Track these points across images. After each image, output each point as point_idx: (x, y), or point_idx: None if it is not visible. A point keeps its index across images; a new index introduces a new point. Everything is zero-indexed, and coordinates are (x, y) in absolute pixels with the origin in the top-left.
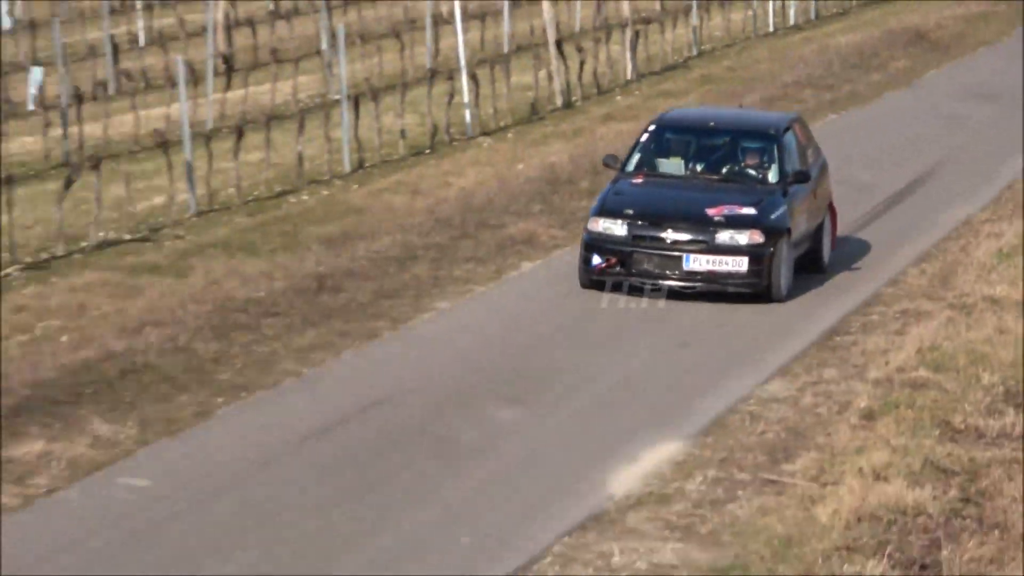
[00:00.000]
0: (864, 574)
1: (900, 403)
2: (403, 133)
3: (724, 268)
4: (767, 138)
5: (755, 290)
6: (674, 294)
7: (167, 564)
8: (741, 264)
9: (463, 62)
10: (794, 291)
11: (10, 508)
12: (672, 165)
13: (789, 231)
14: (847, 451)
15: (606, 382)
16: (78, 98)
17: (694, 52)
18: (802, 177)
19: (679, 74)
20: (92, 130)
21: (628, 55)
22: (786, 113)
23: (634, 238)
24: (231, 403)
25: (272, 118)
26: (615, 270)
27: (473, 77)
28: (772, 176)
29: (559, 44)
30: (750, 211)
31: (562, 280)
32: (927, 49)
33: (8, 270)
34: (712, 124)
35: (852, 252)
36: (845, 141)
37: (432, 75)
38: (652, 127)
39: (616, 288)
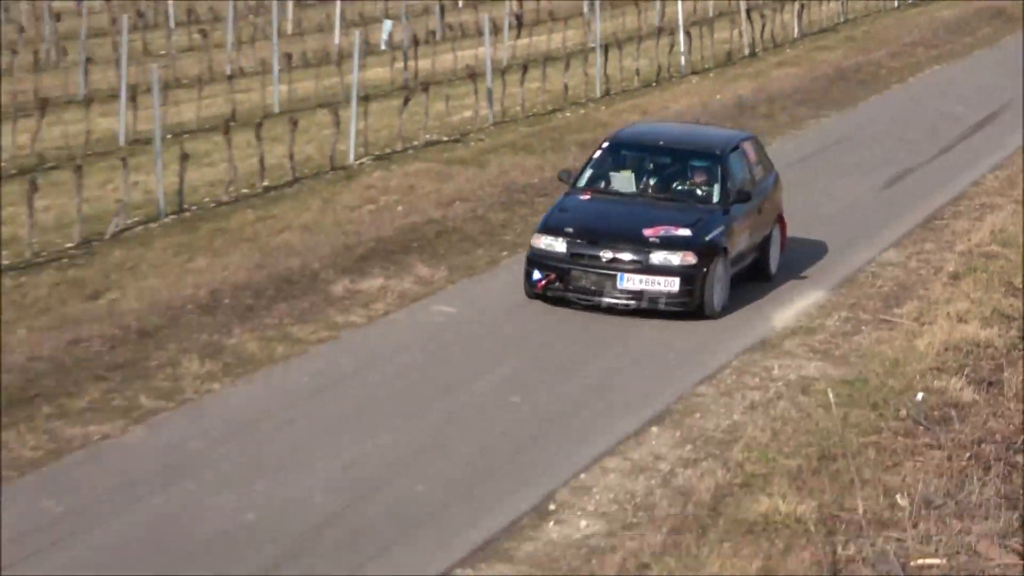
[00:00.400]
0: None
1: (977, 268)
2: (637, 71)
3: (656, 287)
4: (712, 158)
5: (687, 308)
6: None
7: (470, 363)
8: (673, 284)
9: (681, 22)
10: (902, 189)
11: (358, 324)
12: (621, 182)
13: (726, 250)
14: (939, 301)
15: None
16: (415, 42)
17: (841, 19)
18: (743, 197)
19: (830, 35)
20: (424, 65)
21: (796, 20)
22: (738, 132)
23: (572, 255)
24: (512, 255)
25: (547, 59)
26: (555, 285)
27: (687, 33)
28: (715, 196)
29: (748, 11)
30: (685, 232)
31: None
32: (1005, 21)
33: (362, 160)
34: (661, 143)
35: (948, 163)
36: (946, 85)
37: (659, 31)
38: (606, 144)
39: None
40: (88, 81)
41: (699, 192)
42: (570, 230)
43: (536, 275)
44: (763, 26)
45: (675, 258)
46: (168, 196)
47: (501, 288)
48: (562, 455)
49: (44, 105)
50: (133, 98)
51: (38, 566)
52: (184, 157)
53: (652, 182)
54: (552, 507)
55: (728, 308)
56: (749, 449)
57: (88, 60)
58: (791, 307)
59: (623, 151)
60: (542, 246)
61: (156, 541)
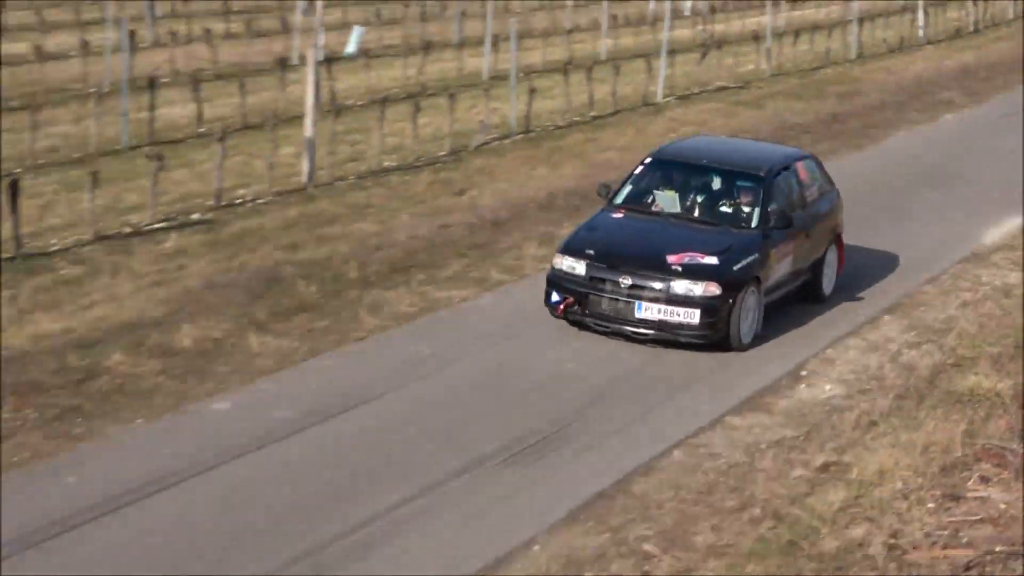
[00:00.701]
0: None
1: None
2: (884, 40)
3: (676, 319)
4: (754, 180)
5: (709, 341)
6: None
7: None
8: (693, 316)
9: (921, 3)
10: None
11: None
12: (660, 201)
13: (758, 279)
14: None
15: (989, 180)
16: (712, 10)
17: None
18: (785, 222)
19: None
20: (718, 28)
21: (1012, 4)
22: (794, 151)
23: (591, 279)
24: None
25: (814, 27)
26: (573, 309)
27: (925, 12)
28: (754, 220)
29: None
30: (712, 261)
31: (968, 125)
32: None
33: (668, 98)
34: (704, 162)
35: None
36: None
37: (903, 9)
38: (647, 160)
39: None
40: (461, 30)
41: (738, 215)
42: (591, 252)
43: (555, 297)
44: (985, 8)
45: (698, 288)
46: (518, 120)
47: None
48: (814, 335)
49: (427, 47)
50: (495, 44)
51: (412, 393)
52: (531, 91)
53: (691, 202)
54: (804, 373)
55: (947, 225)
56: (961, 337)
57: (462, 14)
58: (999, 229)
59: (664, 168)
60: (563, 267)
61: (499, 379)
